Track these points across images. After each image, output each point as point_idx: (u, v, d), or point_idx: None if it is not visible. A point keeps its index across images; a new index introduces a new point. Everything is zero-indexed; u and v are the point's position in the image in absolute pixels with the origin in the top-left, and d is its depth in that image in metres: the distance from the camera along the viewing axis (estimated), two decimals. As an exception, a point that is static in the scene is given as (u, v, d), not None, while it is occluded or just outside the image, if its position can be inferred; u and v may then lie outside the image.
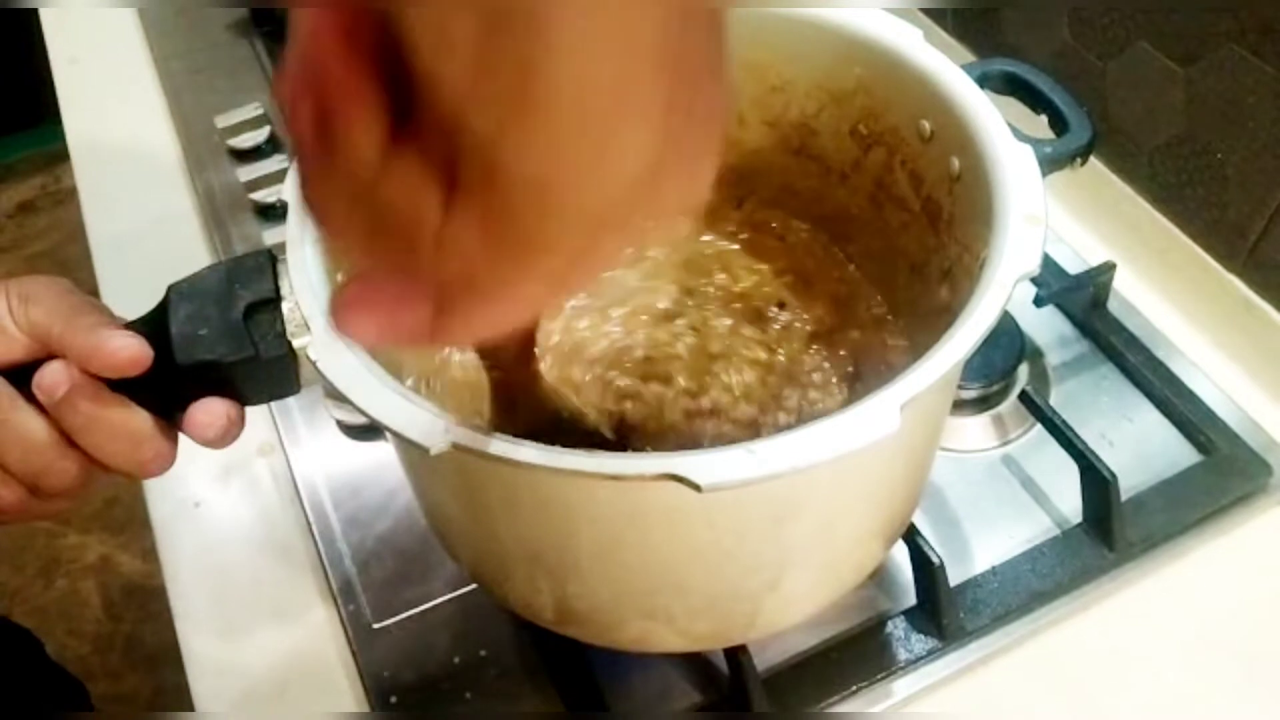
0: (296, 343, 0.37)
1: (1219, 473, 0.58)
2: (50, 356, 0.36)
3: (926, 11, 0.81)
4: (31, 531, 1.49)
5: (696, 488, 0.31)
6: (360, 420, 0.61)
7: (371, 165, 0.21)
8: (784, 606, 0.45)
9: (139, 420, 0.36)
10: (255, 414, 0.41)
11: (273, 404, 0.62)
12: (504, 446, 0.33)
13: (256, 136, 0.79)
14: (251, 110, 0.80)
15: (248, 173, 0.76)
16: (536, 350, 0.42)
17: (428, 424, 0.33)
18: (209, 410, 0.37)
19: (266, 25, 0.90)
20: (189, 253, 0.74)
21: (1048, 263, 0.67)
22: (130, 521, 1.48)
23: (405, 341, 0.24)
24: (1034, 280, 0.65)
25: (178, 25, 0.92)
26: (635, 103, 0.20)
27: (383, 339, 0.25)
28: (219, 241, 0.74)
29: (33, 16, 0.96)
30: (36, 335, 0.36)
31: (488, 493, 0.40)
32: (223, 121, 0.79)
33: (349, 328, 0.24)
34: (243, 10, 0.92)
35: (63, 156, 0.83)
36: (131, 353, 0.35)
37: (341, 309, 0.24)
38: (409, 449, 0.37)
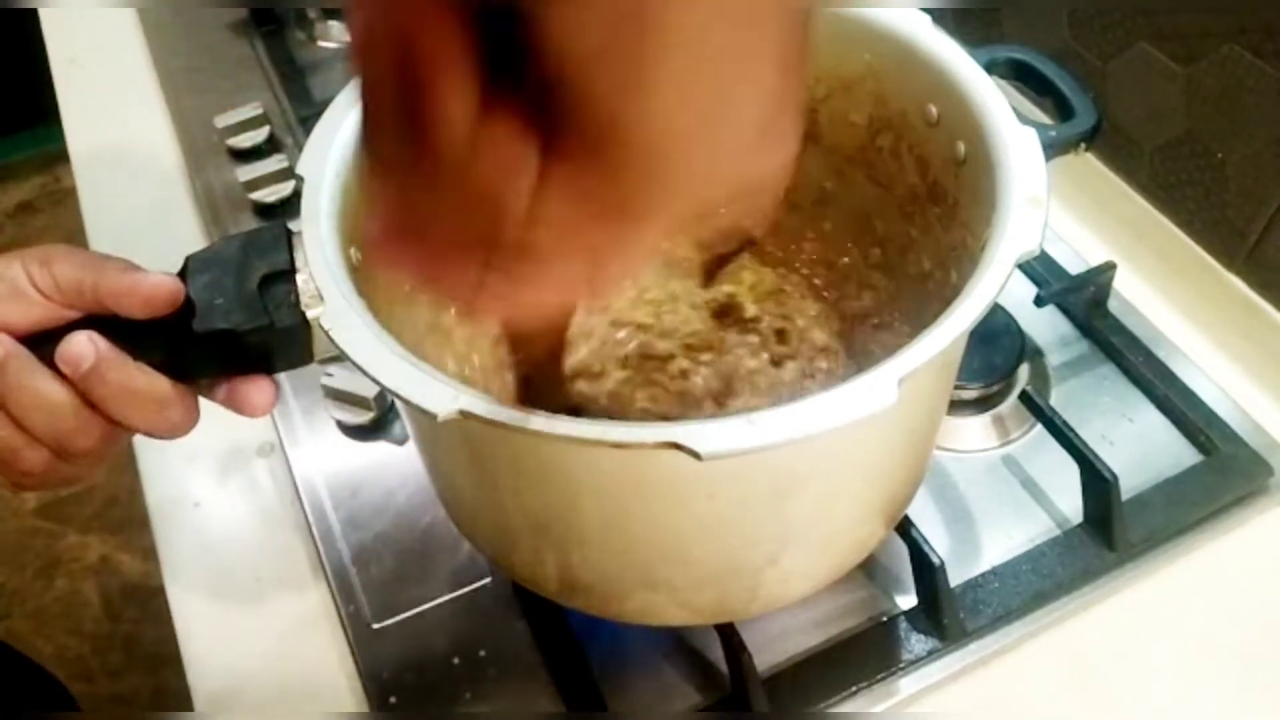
0: (310, 313, 0.37)
1: (1219, 473, 0.58)
2: (68, 325, 0.37)
3: (925, 11, 0.81)
4: (31, 532, 1.49)
5: (696, 456, 0.31)
6: (360, 420, 0.61)
7: (462, 141, 0.20)
8: (784, 582, 0.45)
9: (162, 386, 0.37)
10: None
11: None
12: (510, 414, 0.33)
13: (256, 136, 0.79)
14: (251, 110, 0.80)
15: (247, 172, 0.76)
16: (567, 348, 0.42)
17: (437, 391, 0.34)
18: (262, 391, 0.39)
19: (266, 25, 0.90)
20: (188, 253, 0.74)
21: (1048, 263, 0.67)
22: (130, 521, 1.48)
23: (440, 293, 0.23)
24: (1034, 280, 0.65)
25: (177, 25, 0.92)
26: (757, 53, 0.19)
27: (418, 283, 0.23)
28: (219, 241, 0.74)
29: (32, 17, 0.96)
30: (65, 291, 0.37)
31: (494, 462, 0.40)
32: (222, 121, 0.79)
33: (389, 259, 0.23)
34: (243, 10, 0.91)
35: (62, 157, 0.83)
36: (168, 289, 0.36)
37: (383, 241, 0.23)
38: (419, 417, 0.37)
